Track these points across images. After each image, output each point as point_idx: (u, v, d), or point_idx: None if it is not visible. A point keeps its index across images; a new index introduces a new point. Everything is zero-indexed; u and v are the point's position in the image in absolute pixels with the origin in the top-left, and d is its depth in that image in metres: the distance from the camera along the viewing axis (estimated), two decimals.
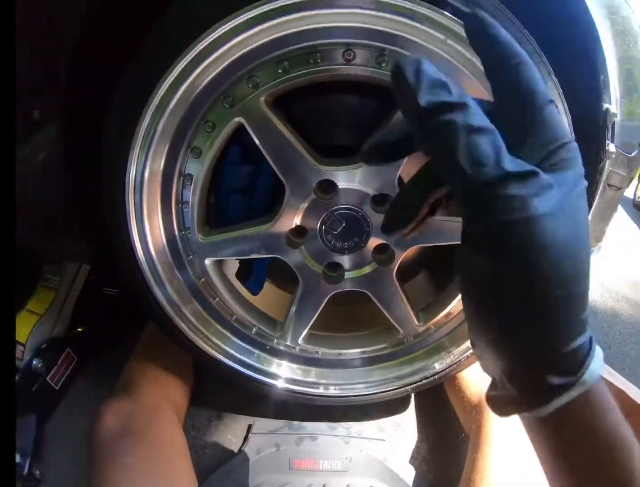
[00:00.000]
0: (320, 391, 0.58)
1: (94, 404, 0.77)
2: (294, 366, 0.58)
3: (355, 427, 0.66)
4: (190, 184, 0.46)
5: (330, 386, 0.58)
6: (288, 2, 0.37)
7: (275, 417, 0.66)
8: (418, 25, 0.38)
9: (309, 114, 0.47)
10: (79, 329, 0.78)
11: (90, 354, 0.81)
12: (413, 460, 0.63)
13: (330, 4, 0.38)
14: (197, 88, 0.42)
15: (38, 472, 0.68)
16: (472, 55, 0.39)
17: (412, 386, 0.58)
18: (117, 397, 0.57)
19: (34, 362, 0.73)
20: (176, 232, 0.48)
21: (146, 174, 0.45)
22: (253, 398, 0.67)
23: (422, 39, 0.39)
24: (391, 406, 0.67)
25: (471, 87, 0.40)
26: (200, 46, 0.39)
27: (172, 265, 0.50)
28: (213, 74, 0.41)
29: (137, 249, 0.48)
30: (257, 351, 0.57)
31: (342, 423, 0.65)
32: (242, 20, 0.38)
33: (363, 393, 0.59)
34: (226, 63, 0.41)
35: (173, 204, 0.47)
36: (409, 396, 0.69)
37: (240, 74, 0.41)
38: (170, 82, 0.40)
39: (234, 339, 0.55)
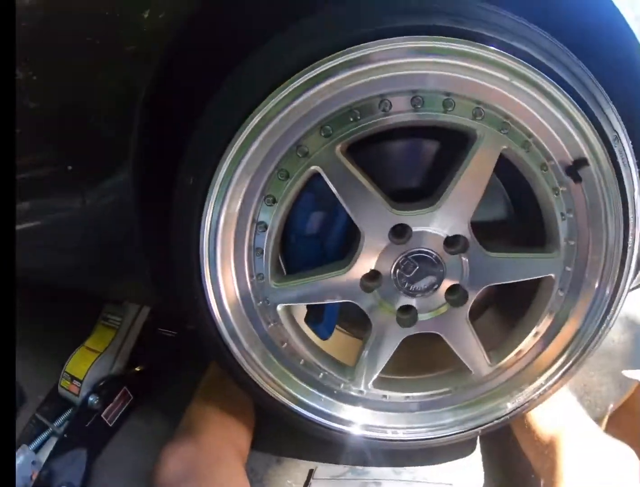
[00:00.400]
0: (388, 435, 0.57)
1: (146, 441, 0.76)
2: (362, 410, 0.56)
3: (420, 471, 0.63)
4: (264, 231, 0.47)
5: (398, 430, 0.57)
6: (357, 55, 0.39)
7: (338, 463, 0.64)
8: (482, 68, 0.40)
9: (379, 159, 0.48)
10: (137, 369, 0.79)
11: (145, 392, 0.81)
12: None
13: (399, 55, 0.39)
14: (272, 139, 0.43)
15: None
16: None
17: (483, 427, 0.56)
18: (180, 441, 0.56)
19: (90, 398, 0.73)
20: (247, 278, 0.49)
21: (221, 222, 0.45)
22: (315, 443, 0.65)
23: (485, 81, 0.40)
24: (457, 449, 0.65)
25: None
26: (276, 100, 0.40)
27: (243, 311, 0.50)
28: (287, 126, 0.42)
29: (209, 296, 0.48)
30: (323, 395, 0.55)
31: (407, 467, 0.63)
32: (315, 73, 0.39)
33: (431, 436, 0.57)
34: (300, 115, 0.42)
35: (246, 250, 0.47)
36: (475, 438, 0.67)
37: (313, 124, 0.42)
38: (247, 134, 0.41)
39: (301, 383, 0.55)
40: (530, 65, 0.40)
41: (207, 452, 0.55)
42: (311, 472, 0.64)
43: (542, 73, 0.40)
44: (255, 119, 0.41)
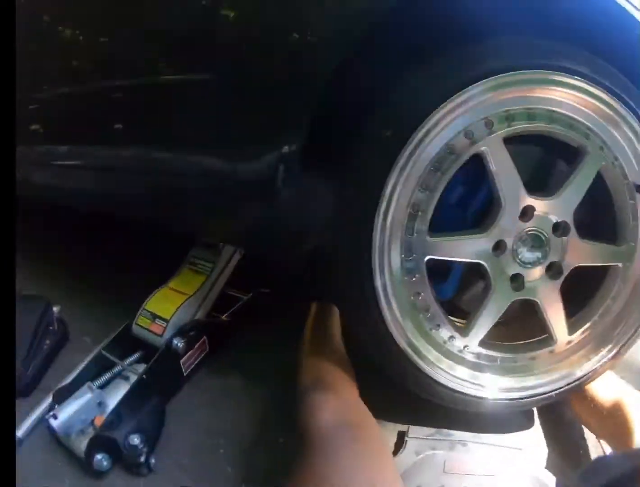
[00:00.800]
0: (486, 394, 0.66)
1: (214, 396, 0.76)
2: (464, 369, 0.66)
3: (493, 437, 0.72)
4: (424, 192, 0.58)
5: (495, 390, 0.66)
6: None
7: (425, 425, 0.71)
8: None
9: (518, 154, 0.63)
10: (223, 317, 0.80)
11: (220, 346, 0.81)
12: (550, 468, 0.70)
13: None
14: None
15: (153, 461, 0.66)
16: None
17: (557, 392, 0.68)
18: (322, 393, 0.59)
19: (175, 341, 0.73)
20: (404, 233, 0.59)
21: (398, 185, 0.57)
22: (403, 406, 0.72)
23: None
24: (521, 419, 0.75)
25: None
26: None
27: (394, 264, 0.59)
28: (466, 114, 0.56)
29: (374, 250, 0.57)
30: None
31: (483, 434, 0.71)
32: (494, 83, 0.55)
33: (518, 397, 0.67)
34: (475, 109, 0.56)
35: (409, 208, 0.58)
36: (532, 412, 0.77)
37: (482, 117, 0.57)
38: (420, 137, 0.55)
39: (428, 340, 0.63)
40: (623, 106, 0.59)
41: (353, 403, 0.60)
42: (401, 433, 0.70)
43: (629, 111, 0.59)
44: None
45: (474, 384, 0.66)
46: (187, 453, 0.69)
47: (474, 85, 0.54)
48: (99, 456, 0.62)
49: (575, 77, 0.56)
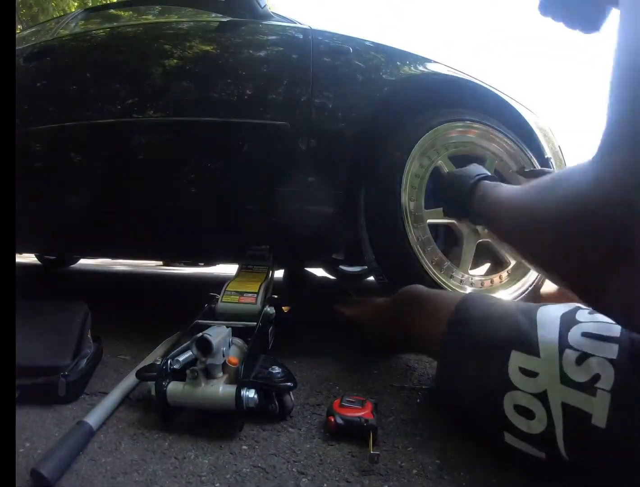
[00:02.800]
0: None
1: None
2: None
3: None
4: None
5: None
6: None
7: None
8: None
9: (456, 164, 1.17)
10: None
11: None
12: None
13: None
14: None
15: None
16: None
17: (519, 298, 1.05)
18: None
19: (267, 308, 0.83)
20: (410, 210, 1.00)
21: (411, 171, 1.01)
22: None
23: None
24: None
25: None
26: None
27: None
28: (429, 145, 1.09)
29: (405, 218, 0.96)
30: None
31: None
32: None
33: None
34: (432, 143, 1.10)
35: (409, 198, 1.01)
36: None
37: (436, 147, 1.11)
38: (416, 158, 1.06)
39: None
40: (498, 131, 1.23)
41: None
42: None
43: (501, 133, 1.23)
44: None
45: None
46: None
47: (429, 132, 1.09)
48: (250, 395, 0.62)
49: (472, 122, 1.17)
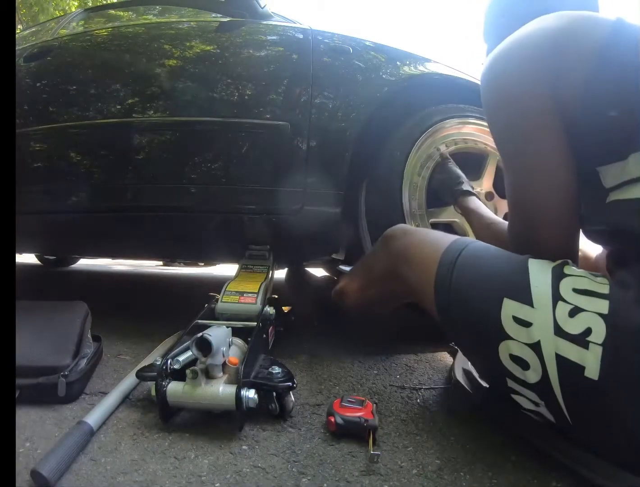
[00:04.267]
0: None
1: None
2: None
3: None
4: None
5: None
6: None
7: None
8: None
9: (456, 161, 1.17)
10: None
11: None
12: None
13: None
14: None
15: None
16: None
17: None
18: None
19: (267, 308, 0.83)
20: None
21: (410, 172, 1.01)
22: None
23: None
24: None
25: None
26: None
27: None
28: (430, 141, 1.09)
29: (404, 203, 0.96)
30: None
31: None
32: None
33: None
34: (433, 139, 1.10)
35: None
36: None
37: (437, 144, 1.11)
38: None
39: None
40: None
41: None
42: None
43: None
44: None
45: None
46: None
47: (428, 130, 1.08)
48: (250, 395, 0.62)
49: (473, 118, 1.15)
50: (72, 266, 2.71)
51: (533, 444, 0.54)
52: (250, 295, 0.86)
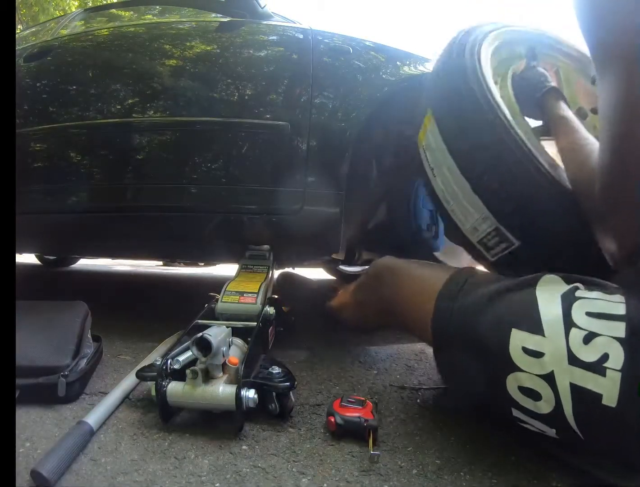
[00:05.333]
0: None
1: None
2: None
3: None
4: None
5: None
6: None
7: None
8: None
9: None
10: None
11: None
12: None
13: None
14: None
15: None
16: None
17: None
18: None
19: (267, 308, 0.83)
20: None
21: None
22: None
23: None
24: None
25: None
26: None
27: None
28: None
29: None
30: None
31: None
32: None
33: None
34: None
35: None
36: None
37: None
38: None
39: None
40: None
41: None
42: None
43: None
44: None
45: None
46: None
47: None
48: (250, 395, 0.61)
49: None
50: (72, 265, 2.71)
51: (540, 445, 0.54)
52: (250, 295, 0.86)
